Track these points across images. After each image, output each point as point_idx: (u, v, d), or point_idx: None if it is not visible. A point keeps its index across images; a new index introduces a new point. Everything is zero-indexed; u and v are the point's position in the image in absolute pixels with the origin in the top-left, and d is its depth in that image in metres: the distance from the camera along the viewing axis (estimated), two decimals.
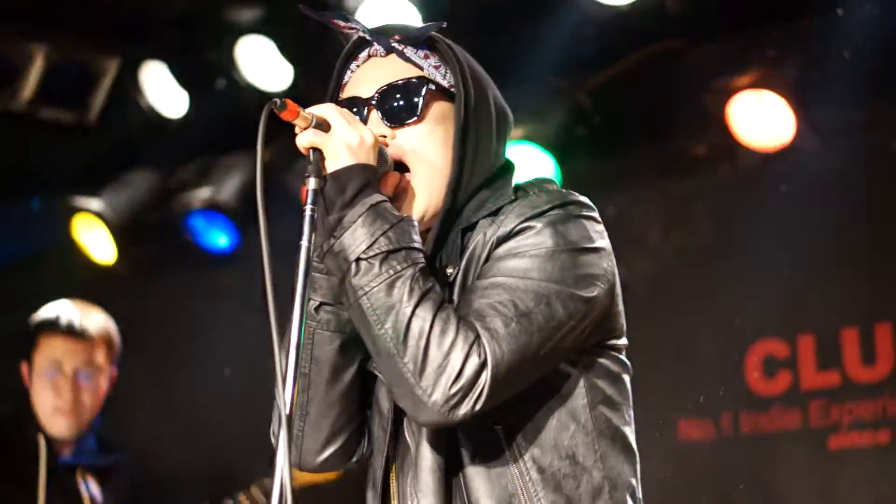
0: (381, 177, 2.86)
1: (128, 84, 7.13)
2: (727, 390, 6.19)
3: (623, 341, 2.98)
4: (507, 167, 3.04)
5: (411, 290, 2.71)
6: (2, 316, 6.33)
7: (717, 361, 6.28)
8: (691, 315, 6.38)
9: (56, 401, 5.44)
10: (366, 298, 2.72)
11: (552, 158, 6.21)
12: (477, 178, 2.95)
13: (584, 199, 2.93)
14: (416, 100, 2.95)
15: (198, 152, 7.47)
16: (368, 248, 2.73)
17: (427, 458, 2.85)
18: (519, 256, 2.79)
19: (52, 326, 5.47)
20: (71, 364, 5.46)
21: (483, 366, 2.68)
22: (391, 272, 2.72)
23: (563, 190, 2.96)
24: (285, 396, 2.56)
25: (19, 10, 6.88)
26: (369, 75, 3.00)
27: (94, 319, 5.54)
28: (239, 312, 6.87)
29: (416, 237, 2.79)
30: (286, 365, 2.61)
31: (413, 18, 6.04)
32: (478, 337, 2.69)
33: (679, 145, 6.47)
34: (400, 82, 2.97)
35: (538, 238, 2.81)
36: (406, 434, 2.92)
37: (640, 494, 2.96)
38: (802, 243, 5.94)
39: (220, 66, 6.84)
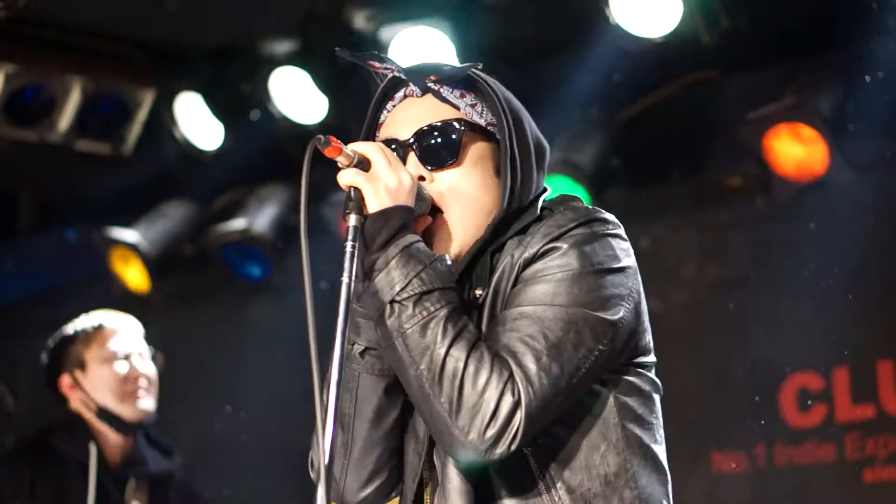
0: (418, 218, 2.89)
1: (163, 116, 7.18)
2: (762, 422, 6.16)
3: (651, 358, 2.99)
4: (542, 192, 3.06)
5: (445, 331, 2.73)
6: (38, 344, 6.35)
7: (752, 393, 6.25)
8: (726, 346, 6.36)
9: (128, 382, 5.46)
10: (401, 340, 2.75)
11: (584, 192, 6.20)
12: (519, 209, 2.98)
13: (610, 216, 2.94)
14: (453, 142, 2.97)
15: (232, 183, 7.51)
16: (402, 289, 2.76)
17: (454, 480, 2.86)
18: (545, 280, 2.81)
19: (97, 328, 5.52)
20: (123, 349, 5.49)
21: (517, 405, 2.70)
22: (425, 313, 2.75)
23: (589, 207, 2.98)
24: (324, 444, 2.58)
25: (56, 43, 6.94)
26: (406, 116, 3.02)
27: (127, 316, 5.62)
28: (272, 342, 6.89)
29: (449, 276, 2.81)
30: (327, 406, 2.61)
31: (447, 50, 6.07)
32: (511, 375, 2.71)
33: (713, 177, 6.46)
34: (437, 124, 2.98)
35: (564, 259, 2.83)
36: (434, 457, 2.94)
37: None
38: (837, 275, 5.91)
39: (254, 98, 6.88)
